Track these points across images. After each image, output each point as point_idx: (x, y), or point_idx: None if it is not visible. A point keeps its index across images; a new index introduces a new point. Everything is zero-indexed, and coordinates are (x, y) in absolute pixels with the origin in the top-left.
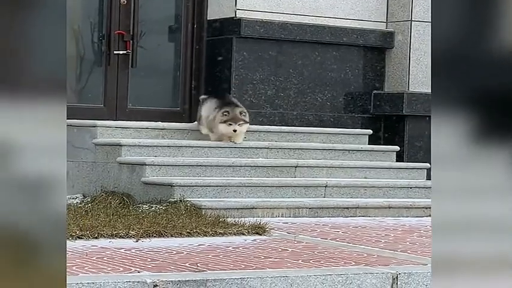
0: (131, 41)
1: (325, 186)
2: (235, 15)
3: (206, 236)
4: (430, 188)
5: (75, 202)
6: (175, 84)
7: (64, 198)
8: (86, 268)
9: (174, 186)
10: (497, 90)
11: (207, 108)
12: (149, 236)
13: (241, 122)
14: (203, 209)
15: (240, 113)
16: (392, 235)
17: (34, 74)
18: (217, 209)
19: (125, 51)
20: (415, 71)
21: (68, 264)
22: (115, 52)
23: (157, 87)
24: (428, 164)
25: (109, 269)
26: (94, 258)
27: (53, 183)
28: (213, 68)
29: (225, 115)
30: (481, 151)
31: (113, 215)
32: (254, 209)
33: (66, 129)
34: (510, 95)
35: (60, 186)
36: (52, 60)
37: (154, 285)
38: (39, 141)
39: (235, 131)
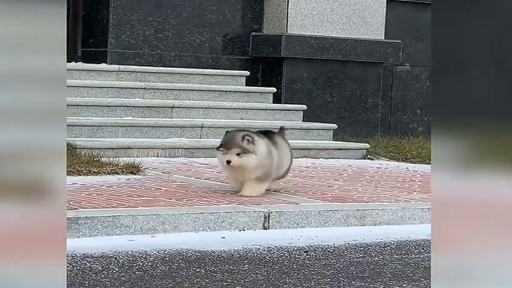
0: None
1: (202, 127)
2: None
3: (80, 175)
4: (305, 129)
5: None
6: None
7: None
8: None
9: None
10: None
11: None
12: None
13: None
14: (78, 148)
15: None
16: None
17: None
18: (92, 148)
19: None
20: (294, 13)
21: None
22: None
23: None
24: (304, 106)
25: None
26: None
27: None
28: (91, 8)
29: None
30: None
31: None
32: (129, 149)
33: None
34: None
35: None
36: None
37: None
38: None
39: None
